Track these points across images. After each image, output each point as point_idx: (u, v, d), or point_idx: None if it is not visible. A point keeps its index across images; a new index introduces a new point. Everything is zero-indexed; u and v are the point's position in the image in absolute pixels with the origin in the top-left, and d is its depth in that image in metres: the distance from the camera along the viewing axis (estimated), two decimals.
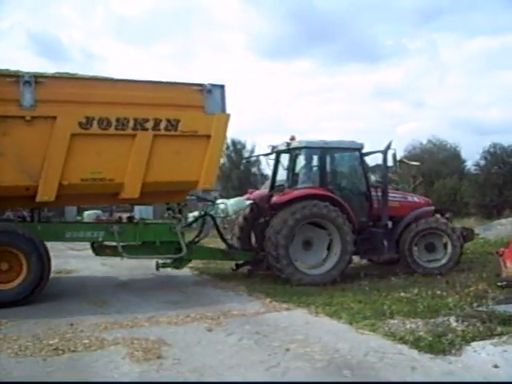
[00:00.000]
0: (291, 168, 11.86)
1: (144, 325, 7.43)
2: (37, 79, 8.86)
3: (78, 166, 9.07)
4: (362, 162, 11.83)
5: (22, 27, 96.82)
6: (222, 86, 10.16)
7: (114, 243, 10.01)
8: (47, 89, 8.93)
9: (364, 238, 11.29)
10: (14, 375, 5.37)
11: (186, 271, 12.19)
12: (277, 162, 12.24)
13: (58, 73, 9.72)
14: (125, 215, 16.72)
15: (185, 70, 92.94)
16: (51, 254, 9.29)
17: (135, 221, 10.72)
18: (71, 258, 14.83)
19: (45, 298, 9.20)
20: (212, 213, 17.85)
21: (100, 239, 9.99)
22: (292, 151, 11.75)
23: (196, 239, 11.26)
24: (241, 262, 11.72)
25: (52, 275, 11.08)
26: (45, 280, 9.04)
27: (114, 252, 10.11)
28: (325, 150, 11.40)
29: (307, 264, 10.84)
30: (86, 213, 37.25)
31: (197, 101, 9.94)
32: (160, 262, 10.55)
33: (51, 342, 6.48)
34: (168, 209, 11.71)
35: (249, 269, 11.71)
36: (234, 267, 11.88)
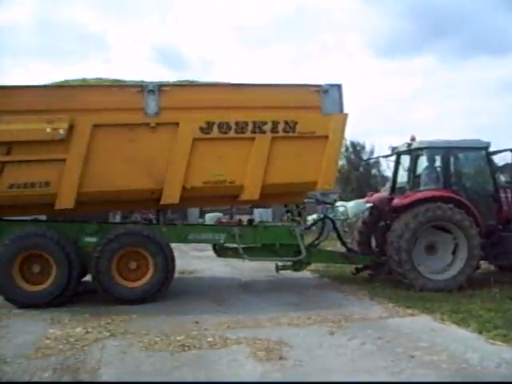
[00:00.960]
0: (412, 169, 11.39)
1: (266, 325, 7.52)
2: (160, 88, 9.33)
3: (200, 169, 9.38)
4: (489, 162, 11.18)
5: (145, 39, 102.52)
6: (339, 86, 10.04)
7: (235, 245, 10.23)
8: (170, 96, 9.36)
9: (493, 242, 10.64)
10: (143, 368, 5.67)
11: (306, 274, 12.22)
12: (397, 163, 11.87)
13: (180, 81, 10.19)
14: (245, 218, 17.09)
15: (303, 72, 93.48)
16: (175, 254, 9.68)
17: (255, 224, 10.88)
18: (194, 259, 15.38)
19: (170, 297, 9.66)
20: (331, 215, 17.79)
21: (221, 241, 10.26)
22: (413, 152, 11.31)
23: (315, 242, 11.24)
24: (361, 266, 11.55)
25: (176, 275, 11.60)
26: (169, 279, 9.45)
27: (234, 254, 10.35)
28: (448, 150, 10.90)
29: (431, 269, 10.37)
30: (208, 215, 38.68)
31: (314, 101, 9.90)
32: (279, 264, 10.63)
33: (178, 339, 6.76)
34: (287, 211, 11.77)
35: (369, 273, 11.48)
36: (354, 271, 11.71)
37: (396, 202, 11.03)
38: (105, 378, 5.35)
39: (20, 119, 8.82)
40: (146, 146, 9.21)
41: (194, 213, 47.61)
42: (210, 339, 6.74)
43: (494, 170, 11.62)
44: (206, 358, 6.03)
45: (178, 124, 9.28)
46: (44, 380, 5.37)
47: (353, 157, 50.10)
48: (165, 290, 9.44)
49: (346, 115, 10.00)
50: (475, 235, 10.11)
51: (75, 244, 9.38)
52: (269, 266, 11.86)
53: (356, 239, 11.82)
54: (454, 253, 10.38)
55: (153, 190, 9.38)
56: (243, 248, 10.15)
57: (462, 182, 11.28)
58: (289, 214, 11.65)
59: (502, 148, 11.58)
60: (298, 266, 10.67)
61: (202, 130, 9.35)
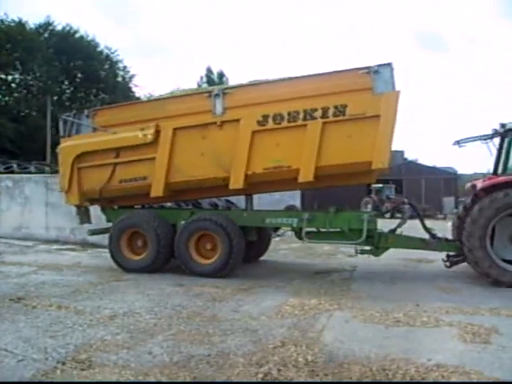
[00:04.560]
0: (506, 152, 10.81)
1: (483, 314, 7.83)
2: (224, 91, 10.97)
3: (260, 157, 10.60)
4: None
5: (408, 26, 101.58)
6: (390, 65, 10.11)
7: (313, 229, 11.23)
8: (232, 97, 10.91)
9: None
10: (357, 334, 6.66)
11: None
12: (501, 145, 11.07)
13: (251, 81, 11.66)
14: None
15: None
16: None
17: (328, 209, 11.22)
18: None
19: (400, 282, 10.62)
20: None
21: (294, 225, 11.21)
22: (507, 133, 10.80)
23: (395, 227, 11.45)
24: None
25: (413, 263, 12.38)
26: (233, 259, 10.85)
27: (314, 237, 11.35)
28: None
29: None
30: None
31: (365, 83, 10.14)
32: (358, 248, 11.19)
33: (395, 316, 7.59)
34: None
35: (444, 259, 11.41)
36: (445, 258, 11.47)
37: (478, 185, 10.64)
38: (326, 338, 6.47)
39: (123, 129, 11.48)
40: (215, 141, 10.91)
41: (449, 203, 46.92)
42: (424, 319, 7.42)
43: None
44: (414, 333, 6.77)
45: (239, 120, 10.69)
46: None
47: None
48: (228, 270, 10.92)
49: (398, 92, 10.02)
50: None
51: (172, 227, 11.62)
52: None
53: (455, 225, 11.75)
54: None
55: (224, 178, 10.89)
56: (307, 232, 11.07)
57: None
58: None
59: None
60: (375, 250, 11.10)
61: (259, 122, 10.58)
